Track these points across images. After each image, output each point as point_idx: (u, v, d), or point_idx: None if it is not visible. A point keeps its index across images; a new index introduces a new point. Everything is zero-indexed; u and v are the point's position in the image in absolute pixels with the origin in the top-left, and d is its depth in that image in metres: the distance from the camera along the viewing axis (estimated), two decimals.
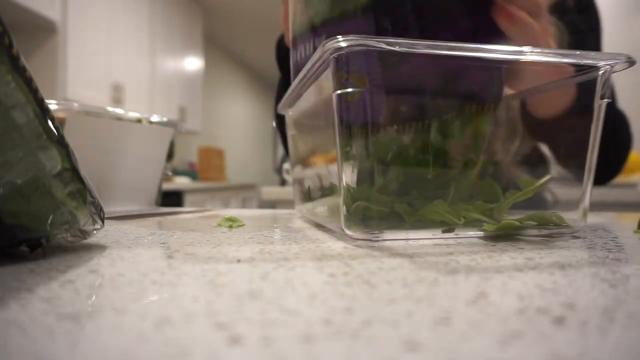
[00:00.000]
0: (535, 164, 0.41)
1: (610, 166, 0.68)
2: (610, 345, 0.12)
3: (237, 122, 5.29)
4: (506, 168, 0.39)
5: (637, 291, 0.18)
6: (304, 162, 0.46)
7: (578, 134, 0.34)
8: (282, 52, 0.75)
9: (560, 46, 0.56)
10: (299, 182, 0.49)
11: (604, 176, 0.68)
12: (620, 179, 1.74)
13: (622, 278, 0.20)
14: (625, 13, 2.51)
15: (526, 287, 0.18)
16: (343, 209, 0.29)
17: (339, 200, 0.30)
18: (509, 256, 0.25)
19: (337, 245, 0.28)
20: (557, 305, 0.16)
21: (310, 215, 0.43)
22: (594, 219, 0.48)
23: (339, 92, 0.29)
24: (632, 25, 2.50)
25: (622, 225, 0.43)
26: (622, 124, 0.66)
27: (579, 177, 0.33)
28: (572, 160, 0.35)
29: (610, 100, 0.32)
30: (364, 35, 0.27)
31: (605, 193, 1.39)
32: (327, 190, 0.37)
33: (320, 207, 0.40)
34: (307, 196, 0.44)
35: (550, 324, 0.14)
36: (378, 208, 0.32)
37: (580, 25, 0.61)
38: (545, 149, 0.41)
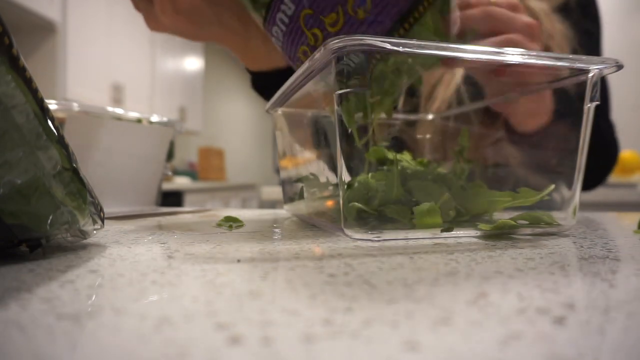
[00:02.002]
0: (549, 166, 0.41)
1: (596, 174, 0.70)
2: (610, 345, 0.12)
3: (237, 122, 5.28)
4: (516, 168, 0.39)
5: (637, 291, 0.18)
6: (295, 161, 0.46)
7: (564, 138, 0.34)
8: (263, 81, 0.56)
9: (571, 46, 0.56)
10: (289, 181, 0.49)
11: (591, 182, 0.70)
12: (620, 179, 1.74)
13: (622, 278, 0.20)
14: (625, 12, 2.51)
15: (526, 287, 0.18)
16: (343, 209, 0.29)
17: (339, 200, 0.29)
18: (508, 256, 0.25)
19: (337, 245, 0.28)
20: (557, 305, 0.16)
21: (304, 216, 0.43)
22: (593, 219, 0.48)
23: (339, 92, 0.29)
24: (632, 24, 2.50)
25: (622, 225, 0.43)
26: (611, 135, 0.68)
27: (568, 180, 0.34)
28: (560, 165, 0.36)
29: (598, 103, 0.33)
30: (366, 35, 0.27)
31: (605, 193, 1.39)
32: (325, 190, 0.37)
33: (317, 207, 0.40)
34: (301, 196, 0.44)
35: (550, 324, 0.14)
36: (377, 208, 0.32)
37: (585, 24, 0.61)
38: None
